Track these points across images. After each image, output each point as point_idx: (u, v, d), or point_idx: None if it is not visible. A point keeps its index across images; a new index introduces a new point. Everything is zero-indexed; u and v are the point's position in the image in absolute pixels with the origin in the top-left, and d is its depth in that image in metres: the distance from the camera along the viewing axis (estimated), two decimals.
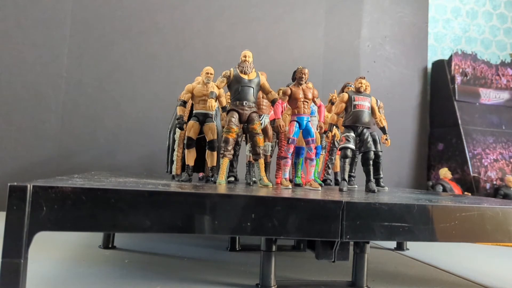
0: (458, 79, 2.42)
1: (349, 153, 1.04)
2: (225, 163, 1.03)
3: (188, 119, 1.17)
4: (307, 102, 1.10)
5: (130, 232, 0.65)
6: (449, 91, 2.42)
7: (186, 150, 1.13)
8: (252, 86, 1.05)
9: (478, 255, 1.38)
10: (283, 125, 1.08)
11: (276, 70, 1.72)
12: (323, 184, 1.31)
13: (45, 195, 0.60)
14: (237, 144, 1.22)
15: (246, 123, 1.06)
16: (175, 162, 1.25)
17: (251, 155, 1.12)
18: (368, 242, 0.83)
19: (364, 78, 1.09)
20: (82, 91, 1.93)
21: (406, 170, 2.38)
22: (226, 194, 0.69)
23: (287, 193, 0.84)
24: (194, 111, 1.14)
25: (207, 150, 1.12)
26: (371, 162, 1.06)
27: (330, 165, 1.39)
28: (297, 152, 1.19)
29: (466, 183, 2.25)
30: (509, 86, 2.51)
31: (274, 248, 0.79)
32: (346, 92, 1.09)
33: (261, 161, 1.05)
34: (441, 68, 2.49)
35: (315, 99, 1.14)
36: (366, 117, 1.06)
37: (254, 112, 1.05)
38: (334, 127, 1.15)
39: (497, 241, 0.78)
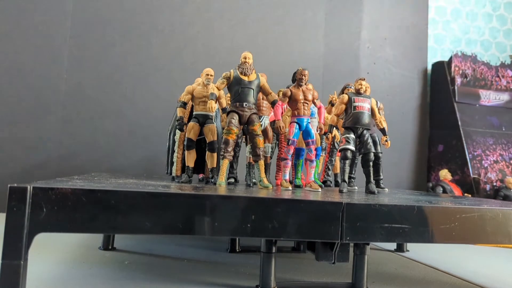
0: (458, 80, 2.42)
1: (349, 154, 1.04)
2: (225, 164, 1.03)
3: (188, 121, 1.17)
4: (307, 104, 1.10)
5: (130, 234, 0.65)
6: (449, 93, 2.42)
7: (186, 152, 1.13)
8: (252, 87, 1.06)
9: (478, 257, 1.38)
10: (283, 127, 1.08)
11: (276, 71, 1.72)
12: (323, 185, 1.31)
13: (45, 197, 0.60)
14: (237, 145, 1.22)
15: (246, 124, 1.06)
16: (175, 164, 1.25)
17: (251, 156, 1.12)
18: (368, 244, 0.83)
19: (364, 79, 1.09)
20: (82, 93, 1.93)
21: (406, 172, 2.38)
22: (226, 196, 0.69)
23: (287, 194, 0.84)
24: (194, 113, 1.14)
25: (207, 152, 1.12)
26: (371, 163, 1.06)
27: (330, 167, 1.39)
28: (297, 153, 1.19)
29: (466, 185, 2.25)
30: (509, 87, 2.51)
31: (274, 249, 0.79)
32: (346, 94, 1.09)
33: (261, 162, 1.05)
34: (441, 69, 2.49)
35: (315, 100, 1.14)
36: (366, 119, 1.06)
37: (254, 113, 1.06)
38: (334, 128, 1.15)
39: (497, 242, 0.78)
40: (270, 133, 1.19)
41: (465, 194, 2.20)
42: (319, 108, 1.21)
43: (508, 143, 2.40)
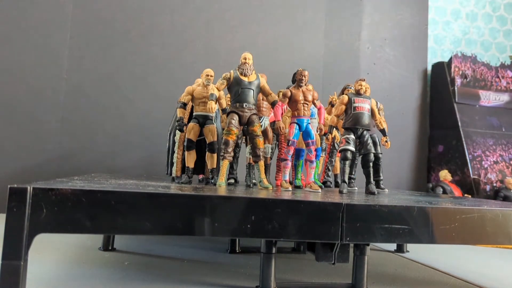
0: (458, 81, 2.42)
1: (349, 155, 1.04)
2: (225, 165, 1.03)
3: (188, 121, 1.17)
4: (307, 104, 1.10)
5: (130, 234, 0.65)
6: (449, 93, 2.42)
7: (186, 152, 1.13)
8: (252, 88, 1.06)
9: (478, 257, 1.38)
10: (283, 127, 1.08)
11: (276, 72, 1.72)
12: (323, 186, 1.31)
13: (45, 197, 0.60)
14: (237, 146, 1.22)
15: (246, 125, 1.06)
16: (175, 164, 1.25)
17: (251, 157, 1.12)
18: (368, 244, 0.83)
19: (364, 80, 1.09)
20: (82, 93, 1.93)
21: (406, 172, 2.38)
22: (226, 196, 0.69)
23: (287, 195, 0.84)
24: (194, 113, 1.14)
25: (207, 152, 1.12)
26: (371, 164, 1.06)
27: (330, 167, 1.39)
28: (297, 154, 1.19)
29: (466, 185, 2.25)
30: (509, 88, 2.51)
31: (274, 250, 0.79)
32: (346, 94, 1.09)
33: (261, 163, 1.05)
34: (441, 70, 2.49)
35: (315, 101, 1.14)
36: (366, 119, 1.06)
37: (254, 114, 1.06)
38: (334, 129, 1.15)
39: (497, 243, 0.78)
40: (270, 133, 1.19)
41: (465, 195, 2.20)
42: (319, 109, 1.21)
43: (508, 144, 2.40)
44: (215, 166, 1.12)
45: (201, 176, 1.34)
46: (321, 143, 1.30)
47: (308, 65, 1.45)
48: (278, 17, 2.21)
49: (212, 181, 1.11)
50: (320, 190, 1.04)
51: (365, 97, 1.08)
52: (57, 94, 1.90)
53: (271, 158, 1.25)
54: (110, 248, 1.13)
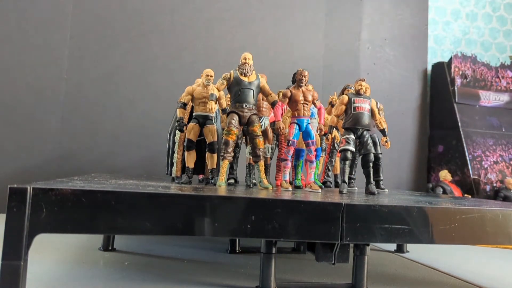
0: (458, 81, 2.42)
1: (349, 155, 1.04)
2: (225, 165, 1.03)
3: (188, 121, 1.17)
4: (307, 104, 1.10)
5: (130, 234, 0.65)
6: (449, 93, 2.42)
7: (186, 152, 1.13)
8: (252, 88, 1.06)
9: (478, 257, 1.38)
10: (283, 127, 1.08)
11: (276, 72, 1.72)
12: (323, 186, 1.31)
13: (45, 197, 0.60)
14: (237, 146, 1.22)
15: (246, 125, 1.06)
16: (175, 164, 1.25)
17: (251, 157, 1.12)
18: (368, 244, 0.83)
19: (364, 80, 1.09)
20: (83, 93, 1.93)
21: (406, 172, 2.38)
22: (226, 196, 0.69)
23: (287, 195, 0.84)
24: (194, 113, 1.14)
25: (207, 152, 1.12)
26: (371, 164, 1.06)
27: (330, 167, 1.39)
28: (297, 154, 1.19)
29: (466, 185, 2.25)
30: (509, 88, 2.51)
31: (274, 250, 0.79)
32: (346, 94, 1.09)
33: (261, 163, 1.06)
34: (441, 70, 2.49)
35: (315, 101, 1.14)
36: (366, 119, 1.06)
37: (254, 114, 1.06)
38: (334, 129, 1.15)
39: (497, 243, 0.78)
40: (270, 133, 1.19)
41: (465, 195, 2.20)
42: (319, 109, 1.21)
43: (508, 144, 2.40)
44: (215, 166, 1.12)
45: (201, 176, 1.34)
46: (321, 143, 1.30)
47: (308, 65, 1.45)
48: (278, 17, 2.21)
49: (212, 181, 1.11)
50: (320, 190, 1.04)
51: (365, 97, 1.08)
52: (57, 94, 1.90)
53: (271, 158, 1.25)
54: (110, 248, 1.13)
